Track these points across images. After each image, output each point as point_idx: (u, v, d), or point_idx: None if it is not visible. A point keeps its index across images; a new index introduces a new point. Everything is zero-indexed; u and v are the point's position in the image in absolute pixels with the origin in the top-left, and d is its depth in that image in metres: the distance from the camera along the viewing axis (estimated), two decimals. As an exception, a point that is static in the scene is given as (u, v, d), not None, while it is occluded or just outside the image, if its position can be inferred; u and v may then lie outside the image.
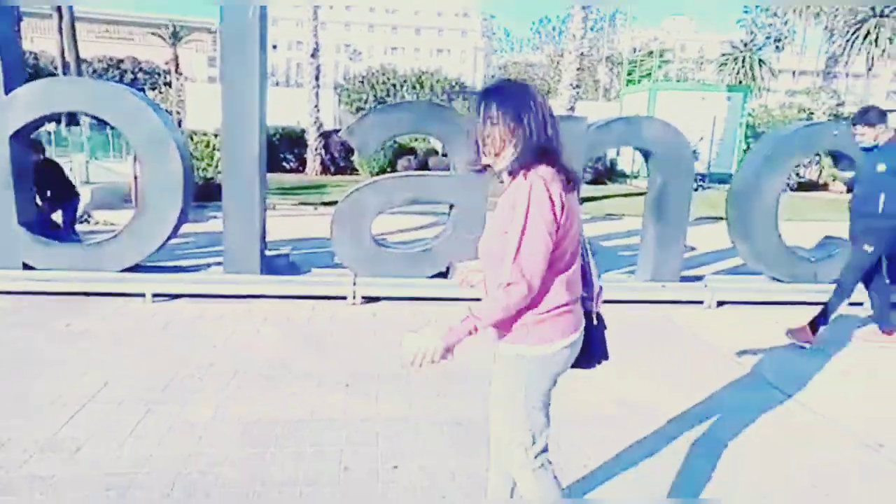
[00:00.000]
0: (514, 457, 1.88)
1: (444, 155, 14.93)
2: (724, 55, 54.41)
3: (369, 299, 5.48)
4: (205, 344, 4.27)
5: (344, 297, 5.43)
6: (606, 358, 1.98)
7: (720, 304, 5.76)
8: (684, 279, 5.96)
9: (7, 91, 5.13)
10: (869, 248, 4.65)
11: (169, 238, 5.53)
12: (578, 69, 14.49)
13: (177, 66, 51.17)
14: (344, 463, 2.80)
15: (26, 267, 5.34)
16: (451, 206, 5.69)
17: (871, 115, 4.66)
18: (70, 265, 5.35)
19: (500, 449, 1.97)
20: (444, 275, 5.68)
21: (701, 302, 5.73)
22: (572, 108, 14.59)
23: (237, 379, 3.70)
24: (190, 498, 2.49)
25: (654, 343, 4.75)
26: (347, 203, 5.51)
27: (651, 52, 29.23)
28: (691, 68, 50.68)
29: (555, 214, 1.66)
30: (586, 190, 15.58)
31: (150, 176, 5.40)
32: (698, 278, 6.12)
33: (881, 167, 4.58)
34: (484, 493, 2.25)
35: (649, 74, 27.76)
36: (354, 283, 5.47)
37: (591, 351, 1.92)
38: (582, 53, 14.72)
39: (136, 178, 9.96)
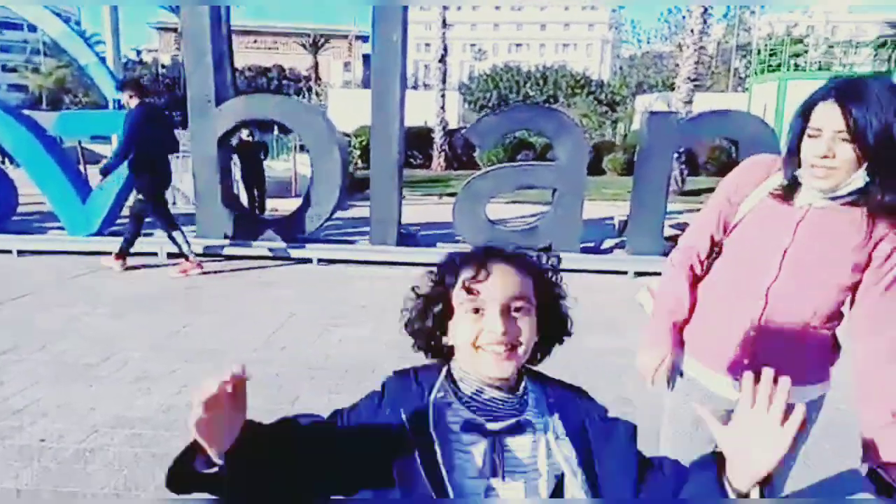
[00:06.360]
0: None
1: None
2: (880, 37, 49.61)
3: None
4: (356, 292, 5.65)
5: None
6: None
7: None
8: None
9: (218, 104, 6.82)
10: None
11: (328, 218, 7.00)
12: (697, 62, 14.69)
13: (316, 72, 55.54)
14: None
15: (226, 237, 7.03)
16: (554, 191, 6.68)
17: (125, 85, 5.89)
18: (257, 236, 6.98)
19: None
20: (548, 249, 6.69)
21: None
22: (690, 101, 14.82)
23: (385, 312, 4.99)
24: (355, 374, 3.75)
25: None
26: (466, 190, 6.68)
27: (784, 39, 27.84)
28: (839, 54, 46.76)
29: None
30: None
31: (318, 169, 6.88)
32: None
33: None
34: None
35: (795, 61, 26.38)
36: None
37: None
38: (701, 48, 14.90)
39: (295, 173, 11.87)
